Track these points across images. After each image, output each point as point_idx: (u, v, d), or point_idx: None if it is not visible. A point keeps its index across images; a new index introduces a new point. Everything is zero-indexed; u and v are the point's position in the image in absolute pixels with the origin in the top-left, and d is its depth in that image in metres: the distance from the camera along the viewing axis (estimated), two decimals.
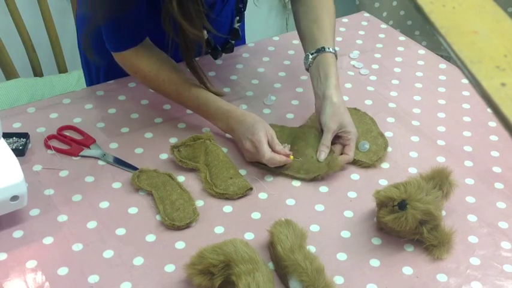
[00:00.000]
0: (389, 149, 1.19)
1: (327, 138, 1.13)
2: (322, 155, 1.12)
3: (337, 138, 1.15)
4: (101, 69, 1.41)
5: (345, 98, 1.31)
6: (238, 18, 1.34)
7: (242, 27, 1.38)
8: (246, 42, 1.53)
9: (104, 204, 1.05)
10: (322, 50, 1.20)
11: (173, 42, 1.14)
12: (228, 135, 1.20)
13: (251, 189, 1.08)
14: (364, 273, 0.95)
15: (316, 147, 1.13)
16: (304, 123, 1.23)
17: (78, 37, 1.46)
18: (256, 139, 1.09)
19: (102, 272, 0.94)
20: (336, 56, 1.21)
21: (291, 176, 1.11)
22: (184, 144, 1.13)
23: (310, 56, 1.21)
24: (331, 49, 1.21)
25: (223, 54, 1.39)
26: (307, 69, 1.22)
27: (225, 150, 1.16)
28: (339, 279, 0.92)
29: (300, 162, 1.12)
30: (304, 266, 0.87)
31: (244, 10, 1.37)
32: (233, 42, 1.36)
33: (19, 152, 1.12)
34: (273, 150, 1.10)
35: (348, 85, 1.37)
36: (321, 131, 1.15)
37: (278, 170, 1.12)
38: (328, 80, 1.16)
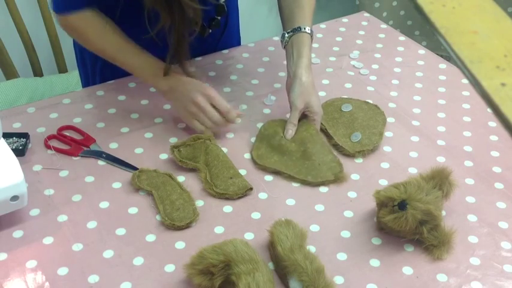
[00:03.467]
0: (389, 149, 1.19)
1: (294, 116, 1.17)
2: (289, 132, 1.16)
3: (303, 117, 1.19)
4: (96, 68, 1.41)
5: (345, 97, 1.32)
6: None
7: (230, 3, 1.37)
8: (246, 43, 1.53)
9: (104, 204, 1.05)
10: (298, 29, 1.24)
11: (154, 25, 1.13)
12: (229, 135, 1.20)
13: (251, 189, 1.08)
14: (364, 273, 0.95)
15: (322, 154, 1.14)
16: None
17: None
18: (211, 93, 1.15)
19: (102, 272, 0.94)
20: (311, 36, 1.24)
21: (299, 180, 1.11)
22: (185, 144, 1.13)
23: (286, 35, 1.24)
24: (307, 29, 1.24)
25: (211, 32, 1.37)
26: (284, 48, 1.26)
27: (225, 150, 1.16)
28: (339, 279, 0.93)
29: (307, 168, 1.12)
30: (304, 266, 0.87)
31: None
32: (219, 18, 1.35)
33: (19, 152, 1.12)
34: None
35: (348, 85, 1.37)
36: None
37: (287, 173, 1.12)
38: (300, 59, 1.20)
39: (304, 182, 1.11)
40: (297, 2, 1.28)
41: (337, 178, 1.11)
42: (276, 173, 1.13)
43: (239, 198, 1.07)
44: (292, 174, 1.11)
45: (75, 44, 1.47)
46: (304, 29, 1.23)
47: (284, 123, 1.20)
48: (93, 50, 1.26)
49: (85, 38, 1.23)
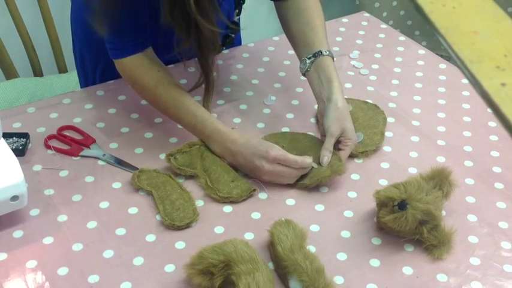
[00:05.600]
0: (389, 149, 1.19)
1: (330, 142, 1.11)
2: (325, 159, 1.10)
3: (336, 143, 1.14)
4: (97, 71, 1.40)
5: (345, 97, 1.31)
6: (237, 11, 1.32)
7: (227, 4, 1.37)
8: (246, 43, 1.53)
9: (104, 204, 1.05)
10: (319, 53, 1.19)
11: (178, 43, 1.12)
12: None
13: (254, 190, 1.08)
14: (364, 273, 0.95)
15: (316, 154, 1.12)
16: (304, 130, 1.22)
17: (73, 39, 1.46)
18: (275, 154, 1.06)
19: (102, 272, 0.94)
20: (333, 58, 1.20)
21: (296, 185, 1.09)
22: (181, 151, 1.12)
23: (308, 61, 1.19)
24: (328, 52, 1.20)
25: (224, 48, 1.37)
26: (304, 74, 1.22)
27: None
28: (339, 279, 0.93)
29: (304, 174, 1.10)
30: (304, 266, 0.87)
31: (243, 3, 1.34)
32: (233, 35, 1.34)
33: (19, 152, 1.12)
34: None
35: (348, 85, 1.37)
36: (323, 135, 1.15)
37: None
38: (332, 84, 1.15)
39: (302, 186, 1.09)
40: (309, 25, 1.23)
41: (334, 171, 1.08)
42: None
43: (243, 200, 1.07)
44: (296, 181, 1.09)
45: (74, 45, 1.46)
46: (326, 52, 1.19)
47: (285, 136, 1.18)
48: (148, 100, 1.20)
49: (140, 86, 1.18)
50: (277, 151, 1.07)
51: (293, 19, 1.26)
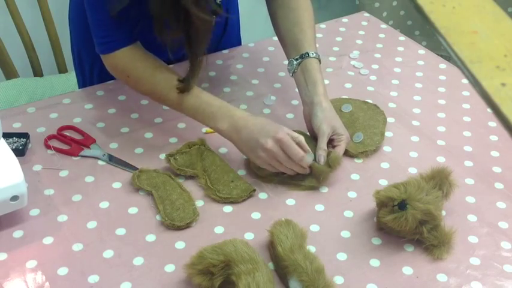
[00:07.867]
0: (389, 149, 1.19)
1: (323, 141, 1.12)
2: (322, 159, 1.10)
3: (329, 141, 1.14)
4: (94, 71, 1.40)
5: (344, 97, 1.31)
6: None
7: (230, 3, 1.35)
8: (246, 43, 1.53)
9: (104, 204, 1.05)
10: (306, 55, 1.20)
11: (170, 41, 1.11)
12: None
13: (254, 190, 1.08)
14: (364, 273, 0.95)
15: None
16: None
17: (71, 39, 1.46)
18: (282, 136, 1.04)
19: (102, 272, 0.94)
20: (319, 60, 1.21)
21: (305, 187, 1.09)
22: (180, 151, 1.12)
23: (295, 62, 1.20)
24: (314, 54, 1.20)
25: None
26: (292, 75, 1.22)
27: (224, 150, 1.16)
28: (339, 279, 0.93)
29: (311, 174, 1.10)
30: (304, 266, 0.87)
31: None
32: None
33: (19, 152, 1.12)
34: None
35: (348, 85, 1.37)
36: (313, 137, 1.15)
37: (286, 181, 1.10)
38: (316, 87, 1.16)
39: (312, 188, 1.09)
40: (298, 26, 1.24)
41: (332, 166, 1.08)
42: (280, 182, 1.11)
43: (243, 200, 1.07)
44: (298, 182, 1.09)
45: (72, 45, 1.46)
46: (312, 54, 1.20)
47: None
48: (144, 89, 1.19)
49: (136, 76, 1.16)
50: (285, 134, 1.05)
51: (283, 18, 1.27)
